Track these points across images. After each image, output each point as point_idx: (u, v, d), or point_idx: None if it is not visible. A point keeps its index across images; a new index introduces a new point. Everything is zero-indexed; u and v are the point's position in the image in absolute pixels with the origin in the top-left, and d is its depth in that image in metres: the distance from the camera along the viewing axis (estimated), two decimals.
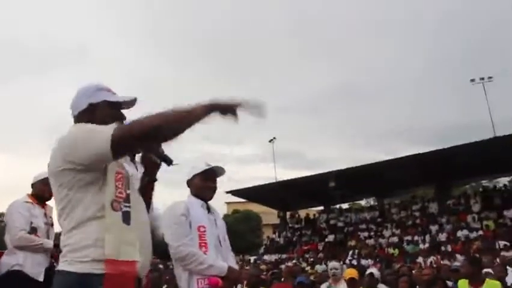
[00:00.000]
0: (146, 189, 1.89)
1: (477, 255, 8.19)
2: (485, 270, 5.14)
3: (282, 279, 7.84)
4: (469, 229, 16.75)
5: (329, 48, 73.42)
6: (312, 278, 9.16)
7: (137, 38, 79.64)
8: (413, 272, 7.26)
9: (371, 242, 19.19)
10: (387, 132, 74.28)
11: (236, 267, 2.73)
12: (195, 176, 2.72)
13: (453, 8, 66.27)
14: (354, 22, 74.25)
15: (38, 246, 3.30)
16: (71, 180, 1.54)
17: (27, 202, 3.44)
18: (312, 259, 17.98)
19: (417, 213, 20.41)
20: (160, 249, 2.37)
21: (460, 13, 66.96)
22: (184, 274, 2.49)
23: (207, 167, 2.71)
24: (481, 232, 16.20)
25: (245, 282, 6.10)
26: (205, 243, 2.55)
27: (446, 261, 11.58)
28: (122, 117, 1.76)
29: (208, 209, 2.73)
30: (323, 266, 14.80)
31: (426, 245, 16.68)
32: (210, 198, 2.78)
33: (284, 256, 20.22)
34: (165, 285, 7.43)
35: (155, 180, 1.93)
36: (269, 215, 31.14)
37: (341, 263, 11.40)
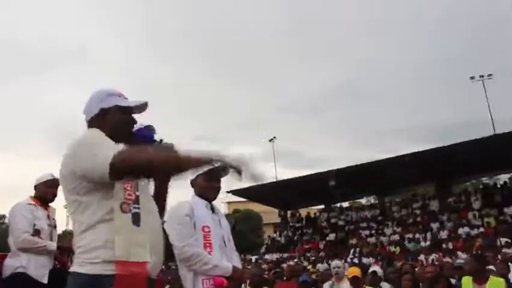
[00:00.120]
0: (161, 191, 1.92)
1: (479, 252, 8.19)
2: (487, 267, 5.13)
3: (284, 278, 7.84)
4: (470, 226, 16.76)
5: (329, 48, 73.37)
6: (314, 276, 9.15)
7: (137, 38, 79.64)
8: (416, 269, 7.25)
9: (372, 240, 19.20)
10: (387, 130, 74.28)
11: (241, 267, 2.73)
12: (198, 176, 2.71)
13: (452, 7, 66.24)
14: (354, 22, 74.25)
15: (42, 248, 3.29)
16: (78, 186, 1.58)
17: (30, 204, 3.43)
18: (313, 258, 17.99)
19: (418, 211, 20.41)
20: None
21: (459, 12, 67.00)
22: (189, 275, 2.48)
23: (211, 167, 2.70)
24: (482, 229, 16.21)
25: (248, 281, 6.10)
26: (209, 243, 2.55)
27: (447, 259, 11.59)
28: (133, 122, 1.80)
29: (212, 209, 2.73)
30: (325, 265, 14.80)
31: (428, 242, 16.70)
32: (214, 199, 2.77)
33: (285, 255, 20.22)
34: (167, 286, 7.43)
35: (169, 180, 1.95)
36: (270, 214, 31.16)
37: (343, 261, 11.41)
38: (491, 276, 4.29)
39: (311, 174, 21.01)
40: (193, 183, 2.75)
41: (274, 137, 29.68)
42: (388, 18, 69.58)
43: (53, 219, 3.60)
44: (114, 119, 1.73)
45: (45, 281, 3.24)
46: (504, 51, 60.05)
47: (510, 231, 14.75)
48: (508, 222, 16.28)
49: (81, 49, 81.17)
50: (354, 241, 19.64)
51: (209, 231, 2.57)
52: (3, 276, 3.23)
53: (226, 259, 2.58)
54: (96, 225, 1.55)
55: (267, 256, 20.94)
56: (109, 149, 1.52)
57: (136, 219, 1.60)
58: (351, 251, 18.18)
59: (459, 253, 13.04)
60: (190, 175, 1.56)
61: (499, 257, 8.97)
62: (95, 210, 1.56)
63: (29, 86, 71.31)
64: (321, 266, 14.65)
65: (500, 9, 55.57)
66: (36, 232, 3.34)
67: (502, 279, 4.27)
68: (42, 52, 78.96)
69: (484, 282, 4.11)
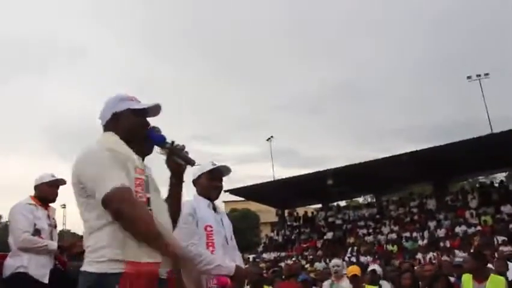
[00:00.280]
0: (175, 191, 1.96)
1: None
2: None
3: (283, 276, 7.86)
4: (467, 225, 16.81)
5: (328, 48, 73.36)
6: (312, 275, 9.17)
7: (137, 38, 79.20)
8: (415, 268, 7.27)
9: (369, 238, 19.22)
10: (384, 130, 74.24)
11: (243, 266, 2.73)
12: (201, 175, 2.71)
13: (451, 7, 66.27)
14: (354, 22, 74.31)
15: (42, 248, 3.28)
16: (82, 190, 1.64)
17: (30, 204, 3.42)
18: (311, 257, 18.00)
19: (415, 210, 20.45)
20: None
21: (457, 12, 67.11)
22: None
23: (213, 166, 2.69)
24: (479, 227, 16.27)
25: (246, 280, 6.10)
26: (212, 242, 2.55)
27: (445, 257, 11.63)
28: (146, 124, 1.85)
29: (215, 208, 2.73)
30: (322, 264, 14.84)
31: (425, 241, 16.73)
32: (216, 198, 2.77)
33: (283, 254, 20.23)
34: None
35: (183, 181, 1.99)
36: (267, 214, 31.17)
37: (341, 260, 11.42)
38: (491, 274, 4.30)
39: (309, 174, 21.02)
40: (196, 182, 2.75)
41: (272, 136, 29.66)
42: (388, 18, 69.62)
43: (53, 218, 3.60)
44: (127, 122, 1.79)
45: (46, 280, 3.23)
46: (501, 51, 60.32)
47: (507, 230, 14.81)
48: (505, 220, 16.33)
49: (81, 49, 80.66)
50: (351, 240, 19.67)
51: (212, 231, 2.58)
52: (3, 276, 3.22)
53: (228, 258, 2.59)
54: (103, 227, 1.58)
55: (264, 255, 20.93)
56: (110, 181, 1.54)
57: None
58: (349, 249, 18.22)
59: (456, 251, 13.07)
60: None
61: (496, 255, 9.00)
62: (100, 214, 1.59)
63: (29, 85, 70.85)
64: (318, 265, 14.68)
65: (497, 9, 55.80)
66: (37, 232, 3.33)
67: (502, 278, 4.27)
68: (42, 52, 78.54)
69: (484, 280, 4.12)
